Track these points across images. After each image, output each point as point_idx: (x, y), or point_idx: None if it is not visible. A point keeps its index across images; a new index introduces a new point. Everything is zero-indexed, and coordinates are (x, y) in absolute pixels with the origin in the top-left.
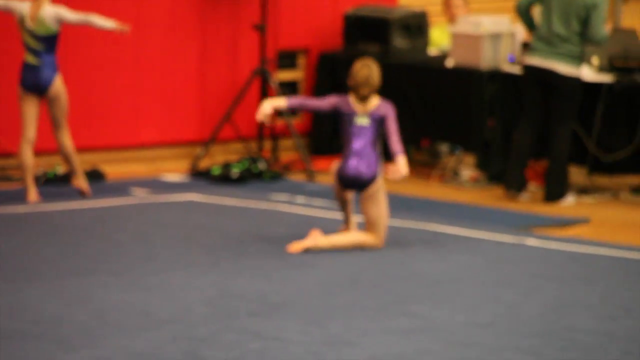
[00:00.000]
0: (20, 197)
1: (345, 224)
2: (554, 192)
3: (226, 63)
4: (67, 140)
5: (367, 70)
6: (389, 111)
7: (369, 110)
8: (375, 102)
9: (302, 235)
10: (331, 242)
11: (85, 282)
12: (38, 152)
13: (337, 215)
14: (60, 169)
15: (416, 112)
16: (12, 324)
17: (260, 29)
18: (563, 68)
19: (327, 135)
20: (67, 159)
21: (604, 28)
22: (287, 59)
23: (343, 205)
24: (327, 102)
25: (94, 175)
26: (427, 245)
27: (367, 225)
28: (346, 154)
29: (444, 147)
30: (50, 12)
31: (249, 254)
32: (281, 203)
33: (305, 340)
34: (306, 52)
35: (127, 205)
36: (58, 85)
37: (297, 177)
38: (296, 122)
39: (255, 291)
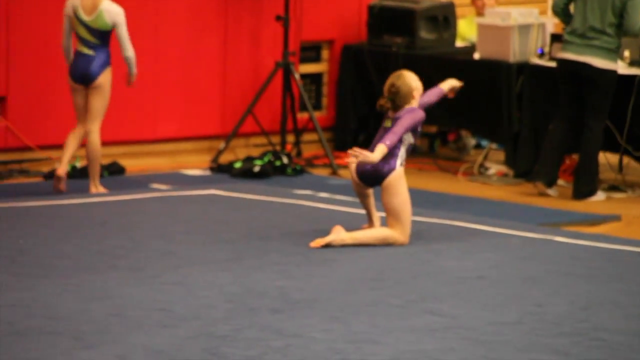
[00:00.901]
0: (37, 191)
1: (369, 220)
2: (584, 189)
3: (248, 55)
4: (96, 142)
5: (392, 80)
6: (405, 114)
7: (395, 115)
8: (405, 108)
9: (325, 231)
10: (355, 237)
11: (104, 277)
12: (58, 145)
13: (361, 211)
14: (80, 163)
15: (446, 103)
16: (28, 319)
17: (284, 20)
18: (599, 62)
19: (351, 129)
20: (89, 162)
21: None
22: (310, 51)
23: (363, 201)
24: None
25: (114, 169)
26: (453, 241)
27: (389, 219)
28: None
29: (470, 142)
30: (110, 10)
31: (271, 250)
32: (304, 198)
33: (328, 337)
34: (330, 44)
35: (147, 200)
36: (104, 77)
37: (320, 172)
38: (320, 116)
39: (277, 288)
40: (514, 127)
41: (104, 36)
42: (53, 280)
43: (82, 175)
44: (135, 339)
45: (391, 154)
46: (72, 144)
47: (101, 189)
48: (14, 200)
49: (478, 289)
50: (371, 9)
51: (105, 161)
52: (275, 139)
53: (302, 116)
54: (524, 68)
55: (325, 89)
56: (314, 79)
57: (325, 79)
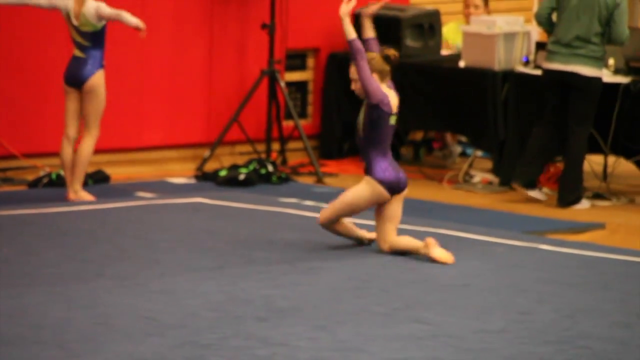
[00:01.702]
0: (21, 199)
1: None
2: (569, 197)
3: (234, 63)
4: (87, 147)
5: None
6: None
7: (396, 109)
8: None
9: (310, 240)
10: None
11: (89, 286)
12: (43, 153)
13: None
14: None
15: (432, 110)
16: (13, 328)
17: (269, 28)
18: (586, 70)
19: (336, 138)
20: (74, 165)
21: (626, 28)
22: (296, 59)
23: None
24: (376, 86)
25: (99, 177)
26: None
27: (394, 226)
28: (387, 156)
29: (456, 150)
30: (91, 9)
31: (256, 258)
32: (289, 206)
33: (313, 346)
34: (316, 52)
35: (132, 208)
36: (96, 80)
37: (305, 180)
38: (305, 124)
39: (262, 296)
40: (500, 135)
41: (94, 37)
42: (38, 289)
43: (65, 184)
44: (120, 347)
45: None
46: (67, 160)
47: (83, 196)
48: None
49: (463, 297)
50: (357, 17)
51: (90, 169)
52: (261, 147)
53: (287, 124)
54: (510, 76)
55: (310, 97)
56: (299, 87)
57: (310, 87)
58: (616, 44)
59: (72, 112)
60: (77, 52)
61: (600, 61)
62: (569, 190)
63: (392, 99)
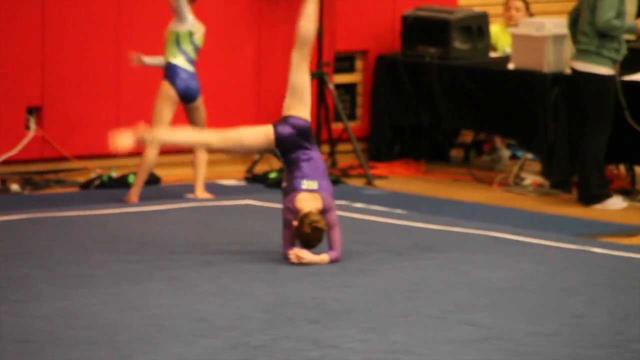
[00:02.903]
0: (73, 201)
1: None
2: (586, 195)
3: (283, 66)
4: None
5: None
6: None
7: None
8: None
9: (360, 242)
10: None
11: (142, 287)
12: (95, 155)
13: (397, 221)
14: (116, 173)
15: (481, 112)
16: (67, 329)
17: (318, 31)
18: (580, 65)
19: (386, 139)
20: (197, 165)
21: (608, 13)
22: (344, 62)
23: None
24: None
25: (150, 180)
26: (489, 252)
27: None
28: None
29: (506, 153)
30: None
31: None
32: (339, 208)
33: (365, 348)
34: (364, 54)
35: (182, 210)
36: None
37: (355, 182)
38: (354, 126)
39: (313, 298)
40: (550, 138)
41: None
42: (91, 290)
43: (117, 185)
44: (172, 348)
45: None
46: (152, 156)
47: (204, 195)
48: (50, 210)
49: (515, 300)
50: (405, 19)
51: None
52: None
53: (336, 126)
54: (559, 78)
55: (359, 99)
56: (348, 89)
57: (359, 89)
58: (599, 30)
59: (168, 119)
60: (188, 66)
61: (595, 55)
62: (586, 189)
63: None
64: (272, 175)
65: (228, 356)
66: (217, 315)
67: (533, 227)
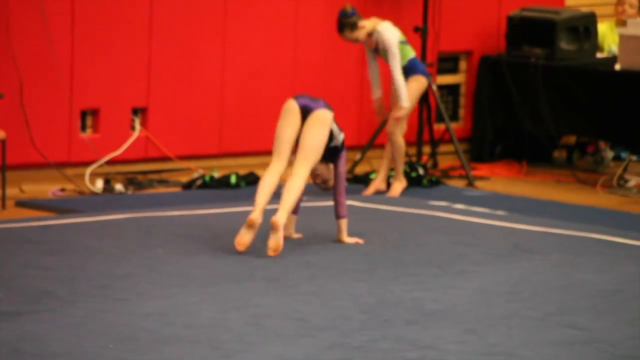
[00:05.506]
0: (176, 201)
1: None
2: None
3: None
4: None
5: None
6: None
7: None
8: None
9: (461, 243)
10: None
11: (241, 287)
12: (197, 156)
13: (498, 223)
14: (217, 173)
15: (586, 114)
16: (167, 328)
17: (422, 31)
18: None
19: (488, 141)
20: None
21: None
22: (448, 62)
23: None
24: None
25: (251, 179)
26: (592, 254)
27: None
28: None
29: (609, 155)
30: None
31: (406, 261)
32: (439, 209)
33: (463, 350)
34: (468, 55)
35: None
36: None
37: (456, 183)
38: (456, 127)
39: (411, 299)
40: None
41: None
42: (191, 289)
43: (219, 185)
44: (271, 348)
45: None
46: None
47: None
48: (153, 210)
49: (617, 303)
50: (511, 19)
51: (243, 171)
52: (412, 150)
53: (438, 127)
54: None
55: (462, 100)
56: (451, 90)
57: (462, 90)
58: None
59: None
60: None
61: None
62: None
63: None
64: (373, 176)
65: (326, 356)
66: (316, 315)
67: (636, 230)
